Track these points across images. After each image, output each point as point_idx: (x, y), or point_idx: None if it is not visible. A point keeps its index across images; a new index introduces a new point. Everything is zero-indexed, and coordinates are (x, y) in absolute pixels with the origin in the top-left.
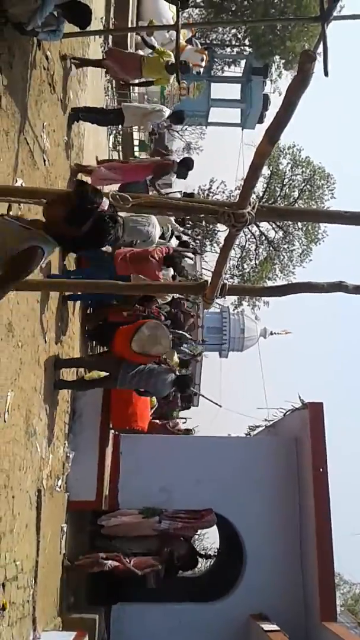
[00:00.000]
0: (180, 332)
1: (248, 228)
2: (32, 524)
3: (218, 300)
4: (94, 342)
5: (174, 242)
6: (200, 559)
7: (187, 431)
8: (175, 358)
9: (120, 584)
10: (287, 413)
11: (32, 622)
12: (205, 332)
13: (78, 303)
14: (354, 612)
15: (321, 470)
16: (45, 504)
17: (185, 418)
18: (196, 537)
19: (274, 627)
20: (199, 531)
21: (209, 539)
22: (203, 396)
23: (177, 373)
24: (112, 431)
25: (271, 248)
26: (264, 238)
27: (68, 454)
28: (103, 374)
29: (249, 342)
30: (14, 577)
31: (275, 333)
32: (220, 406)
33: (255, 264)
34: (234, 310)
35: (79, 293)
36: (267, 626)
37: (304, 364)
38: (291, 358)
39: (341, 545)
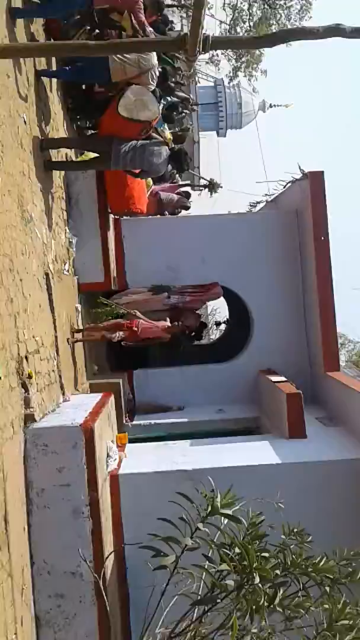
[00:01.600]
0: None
1: None
2: (46, 305)
3: (210, 72)
4: (79, 117)
5: None
6: (211, 327)
7: (186, 194)
8: (168, 134)
9: (138, 354)
10: (287, 185)
11: (59, 388)
12: (200, 110)
13: (54, 82)
14: (358, 365)
15: (322, 239)
16: (55, 286)
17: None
18: (207, 312)
19: (282, 378)
20: (209, 304)
21: (220, 314)
22: (203, 178)
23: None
24: (112, 215)
25: (266, 6)
26: None
27: (70, 240)
28: (92, 155)
29: (247, 118)
30: (36, 350)
31: (275, 105)
32: (220, 186)
33: (249, 26)
34: (229, 83)
35: (52, 70)
36: (275, 378)
37: (305, 136)
38: (291, 131)
39: (346, 304)
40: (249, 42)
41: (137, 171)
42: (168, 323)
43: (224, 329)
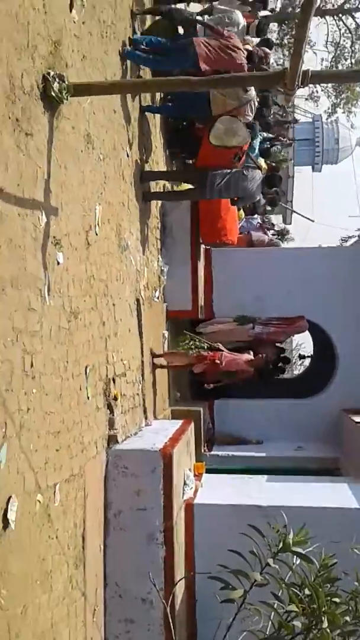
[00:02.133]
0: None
1: (341, 20)
2: (135, 329)
3: (309, 109)
4: (178, 150)
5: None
6: (295, 361)
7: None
8: (263, 162)
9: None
10: None
11: (142, 412)
12: (297, 146)
13: (158, 117)
14: None
15: None
16: (144, 312)
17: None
18: (292, 347)
19: None
20: (294, 338)
21: (305, 348)
22: (295, 212)
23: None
24: (203, 246)
25: None
26: None
27: (162, 268)
28: (189, 186)
29: (343, 153)
30: (123, 373)
31: None
32: (312, 221)
33: (351, 63)
34: (327, 119)
35: (157, 105)
36: (358, 418)
37: None
38: None
39: None
40: (349, 75)
41: (234, 198)
42: (251, 356)
43: (307, 364)
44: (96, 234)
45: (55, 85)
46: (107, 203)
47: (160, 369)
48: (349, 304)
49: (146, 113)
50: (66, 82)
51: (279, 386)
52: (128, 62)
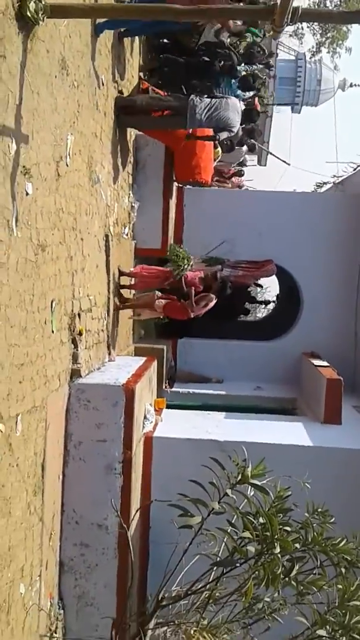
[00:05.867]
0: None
1: None
2: (102, 265)
3: (293, 46)
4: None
5: None
6: (259, 305)
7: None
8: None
9: (185, 324)
10: (358, 169)
11: (107, 348)
12: (278, 84)
13: (136, 45)
14: None
15: None
16: (113, 248)
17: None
18: (258, 290)
19: (324, 362)
20: (261, 281)
21: (270, 293)
22: (271, 153)
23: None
24: (176, 184)
25: None
26: None
27: (133, 204)
28: None
29: (325, 95)
30: (88, 309)
31: (356, 85)
32: (288, 164)
33: (340, 1)
34: (310, 58)
35: (134, 28)
36: (317, 361)
37: None
38: None
39: None
40: (339, 16)
41: (211, 132)
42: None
43: (271, 308)
44: (67, 165)
45: (32, 5)
46: (79, 133)
47: (124, 309)
48: (318, 251)
49: (124, 39)
50: (43, 2)
51: (243, 328)
52: None
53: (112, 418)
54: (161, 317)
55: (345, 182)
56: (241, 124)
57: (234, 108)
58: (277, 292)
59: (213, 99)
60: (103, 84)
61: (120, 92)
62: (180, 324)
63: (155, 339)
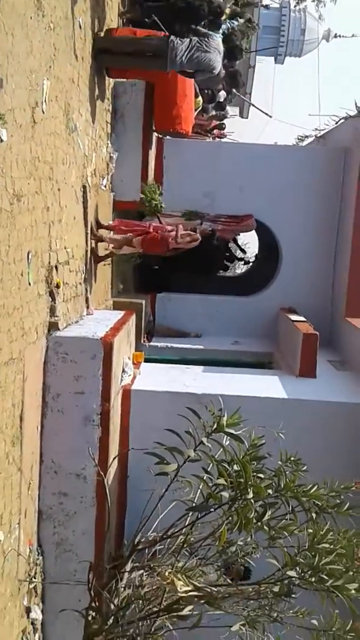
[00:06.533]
0: None
1: None
2: (80, 217)
3: None
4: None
5: None
6: (238, 262)
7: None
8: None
9: (164, 277)
10: (340, 122)
11: (85, 301)
12: (261, 33)
13: None
14: None
15: None
16: (91, 199)
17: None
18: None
19: (301, 318)
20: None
21: (249, 249)
22: (253, 105)
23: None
24: (155, 134)
25: None
26: None
27: (111, 154)
28: None
29: (308, 46)
30: (66, 261)
31: (341, 36)
32: (270, 116)
33: None
34: (295, 6)
35: None
36: (294, 317)
37: None
38: (355, 66)
39: None
40: None
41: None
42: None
43: (251, 262)
44: (43, 112)
45: None
46: (55, 78)
47: (104, 259)
48: (299, 206)
49: None
50: None
51: (221, 283)
52: None
53: (91, 371)
54: (140, 251)
55: (327, 135)
56: (223, 64)
57: (215, 48)
58: (257, 250)
59: (193, 39)
60: (81, 28)
61: (99, 35)
62: (159, 277)
63: (134, 294)
